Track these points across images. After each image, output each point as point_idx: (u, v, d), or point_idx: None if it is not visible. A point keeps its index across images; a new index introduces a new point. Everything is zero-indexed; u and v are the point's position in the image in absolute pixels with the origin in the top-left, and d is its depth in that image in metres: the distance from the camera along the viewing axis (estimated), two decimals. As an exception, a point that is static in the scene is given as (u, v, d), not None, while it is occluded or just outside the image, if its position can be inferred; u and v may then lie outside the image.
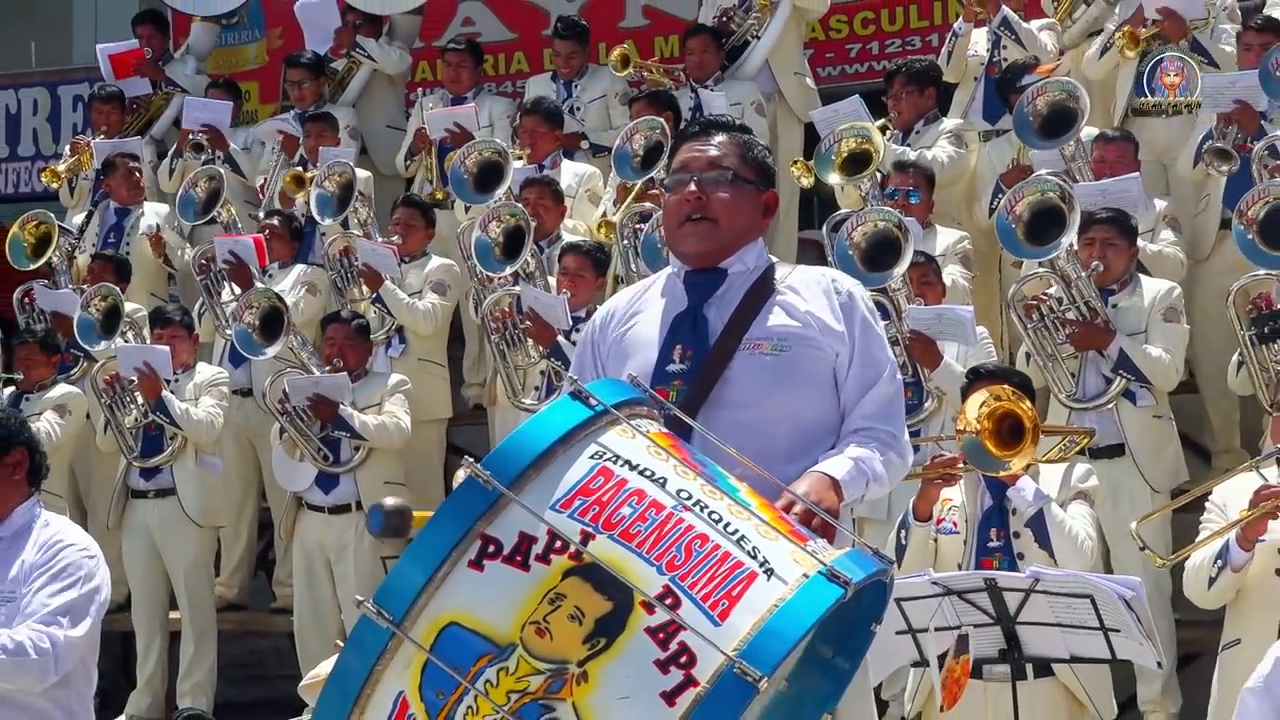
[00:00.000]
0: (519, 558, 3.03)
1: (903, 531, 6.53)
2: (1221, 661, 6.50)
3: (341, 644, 7.78)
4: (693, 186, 4.19)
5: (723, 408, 4.00)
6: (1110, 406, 7.64)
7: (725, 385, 4.07)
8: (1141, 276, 7.94)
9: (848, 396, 4.16)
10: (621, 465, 3.17)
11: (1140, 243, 8.14)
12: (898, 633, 5.72)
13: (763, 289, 4.21)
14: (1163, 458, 7.82)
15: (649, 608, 2.99)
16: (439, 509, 3.13)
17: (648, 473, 3.18)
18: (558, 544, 3.04)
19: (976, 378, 6.66)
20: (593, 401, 3.23)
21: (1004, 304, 9.23)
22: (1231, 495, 6.21)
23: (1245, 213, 7.57)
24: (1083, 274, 7.70)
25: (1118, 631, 5.51)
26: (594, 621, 2.99)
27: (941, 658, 5.89)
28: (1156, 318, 7.74)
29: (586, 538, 3.04)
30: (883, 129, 9.36)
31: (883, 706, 7.16)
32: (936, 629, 5.75)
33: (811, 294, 4.21)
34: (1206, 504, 6.38)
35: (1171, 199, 8.92)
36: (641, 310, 4.30)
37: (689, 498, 3.17)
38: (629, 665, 2.97)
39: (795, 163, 9.62)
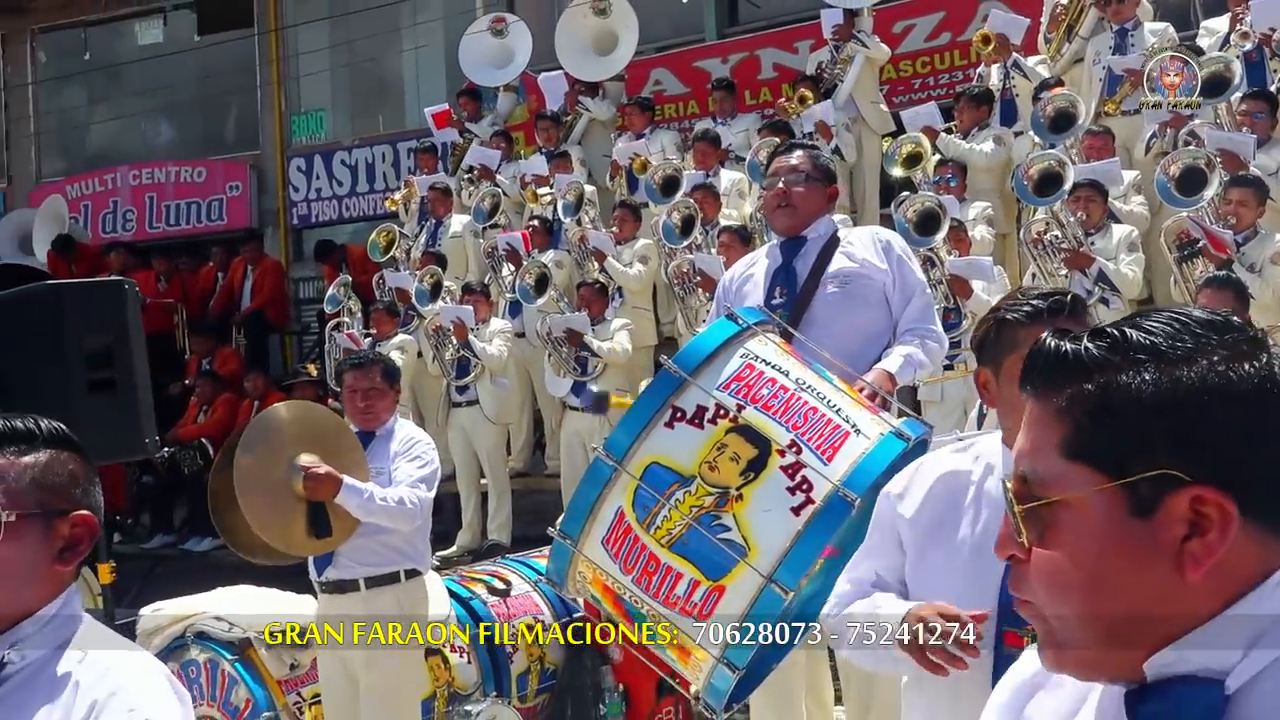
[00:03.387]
0: (697, 420, 3.10)
1: None
2: None
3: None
4: (780, 185, 4.31)
5: (810, 326, 4.07)
6: (1093, 309, 7.50)
7: (811, 311, 4.16)
8: (1111, 223, 7.72)
9: (896, 310, 4.23)
10: (760, 362, 3.22)
11: (1116, 203, 7.93)
12: None
13: (831, 247, 4.29)
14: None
15: (781, 453, 3.06)
16: (644, 390, 3.21)
17: (777, 367, 3.23)
18: (721, 411, 3.10)
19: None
20: (740, 321, 3.30)
21: (1018, 249, 9.08)
22: None
23: (1168, 170, 7.40)
24: (1072, 219, 7.54)
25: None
26: (746, 462, 3.05)
27: None
28: (1123, 250, 7.55)
29: (740, 408, 3.11)
30: (948, 130, 9.23)
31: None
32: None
33: (864, 245, 4.30)
34: None
35: (1137, 173, 8.62)
36: (753, 269, 4.41)
37: (804, 383, 3.22)
38: (770, 490, 3.03)
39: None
